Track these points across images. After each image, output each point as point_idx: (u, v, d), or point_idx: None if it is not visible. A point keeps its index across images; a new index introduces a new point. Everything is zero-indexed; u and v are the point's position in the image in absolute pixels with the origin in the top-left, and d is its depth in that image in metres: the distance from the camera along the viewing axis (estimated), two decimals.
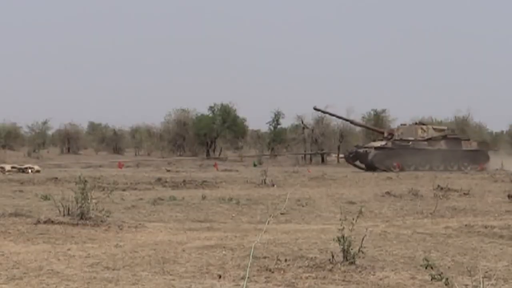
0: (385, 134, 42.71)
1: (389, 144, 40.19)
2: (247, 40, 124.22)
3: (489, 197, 18.60)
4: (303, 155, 55.68)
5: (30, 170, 29.48)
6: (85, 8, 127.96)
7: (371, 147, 40.28)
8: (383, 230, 11.59)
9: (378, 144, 40.87)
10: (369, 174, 31.28)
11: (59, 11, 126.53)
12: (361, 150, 40.69)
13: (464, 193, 19.13)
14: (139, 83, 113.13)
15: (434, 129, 42.50)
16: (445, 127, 45.40)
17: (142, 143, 65.77)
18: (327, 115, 50.69)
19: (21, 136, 65.86)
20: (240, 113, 62.50)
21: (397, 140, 40.72)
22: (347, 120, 49.64)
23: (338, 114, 47.92)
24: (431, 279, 5.26)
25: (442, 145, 40.99)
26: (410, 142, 40.12)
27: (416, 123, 43.96)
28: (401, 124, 44.73)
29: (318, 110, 47.03)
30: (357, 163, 40.47)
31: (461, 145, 41.76)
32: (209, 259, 8.51)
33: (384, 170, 36.24)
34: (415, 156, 39.20)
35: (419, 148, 39.91)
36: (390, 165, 38.21)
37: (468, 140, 44.06)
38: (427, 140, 40.78)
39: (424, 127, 42.13)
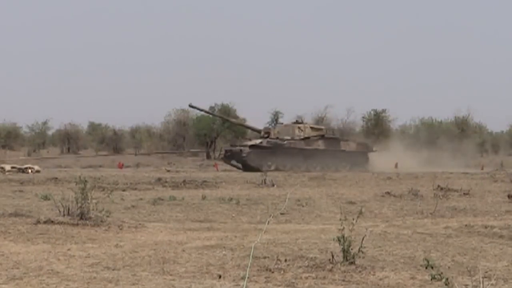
0: (262, 133, 41.49)
1: (264, 143, 39.03)
2: (247, 39, 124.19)
3: (489, 197, 18.59)
4: None
5: (30, 170, 29.49)
6: (84, 8, 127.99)
7: (245, 146, 39.29)
8: (383, 230, 11.58)
9: (253, 142, 39.83)
10: (369, 174, 31.21)
11: (59, 11, 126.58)
12: (235, 149, 39.57)
13: (464, 193, 19.12)
14: (139, 83, 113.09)
15: (311, 128, 41.44)
16: (323, 127, 44.31)
17: (142, 143, 65.77)
18: (326, 114, 50.72)
19: (21, 136, 65.85)
20: (240, 113, 62.52)
21: (273, 138, 39.66)
22: (223, 117, 49.86)
23: (215, 113, 47.51)
24: (431, 279, 5.26)
25: (320, 145, 40.21)
26: (286, 141, 39.17)
27: (294, 122, 43.12)
28: (279, 123, 43.92)
29: (193, 107, 45.56)
30: (234, 162, 39.12)
31: (339, 145, 41.12)
32: (209, 259, 8.51)
33: (259, 170, 34.80)
34: (291, 155, 38.34)
35: (295, 148, 39.04)
36: (265, 164, 37.04)
37: (347, 140, 43.59)
38: (304, 139, 39.89)
39: (301, 126, 41.09)
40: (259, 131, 42.90)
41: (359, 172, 35.15)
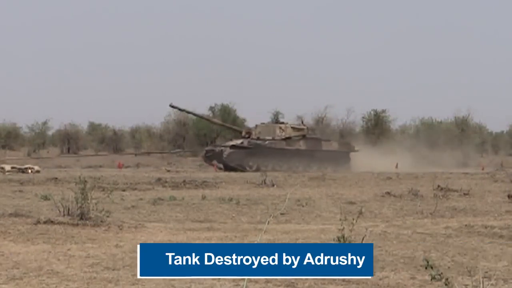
0: (243, 133, 41.13)
1: (245, 143, 38.77)
2: (247, 39, 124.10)
3: (489, 197, 18.59)
4: None
5: (30, 170, 29.49)
6: (84, 8, 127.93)
7: (227, 146, 39.02)
8: (383, 230, 11.58)
9: (233, 142, 39.60)
10: (369, 174, 31.18)
11: (59, 11, 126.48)
12: (216, 149, 39.33)
13: (464, 193, 19.11)
14: (139, 83, 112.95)
15: (293, 128, 40.97)
16: (305, 127, 43.32)
17: (142, 143, 65.75)
18: (326, 114, 50.59)
19: (21, 136, 65.83)
20: (240, 113, 62.51)
21: (254, 139, 39.35)
22: (203, 117, 50.09)
23: (196, 112, 47.44)
24: (431, 279, 5.26)
25: (301, 145, 39.94)
26: (267, 141, 38.92)
27: (275, 122, 42.87)
28: (261, 123, 44.17)
29: (175, 107, 45.01)
30: (215, 162, 38.60)
31: (321, 145, 40.83)
32: None
33: (241, 170, 34.67)
34: (272, 155, 38.06)
35: (276, 148, 38.77)
36: (246, 164, 36.92)
37: (329, 140, 43.25)
38: (285, 139, 39.62)
39: (282, 126, 40.76)
40: (240, 132, 42.76)
41: (341, 172, 35.07)
